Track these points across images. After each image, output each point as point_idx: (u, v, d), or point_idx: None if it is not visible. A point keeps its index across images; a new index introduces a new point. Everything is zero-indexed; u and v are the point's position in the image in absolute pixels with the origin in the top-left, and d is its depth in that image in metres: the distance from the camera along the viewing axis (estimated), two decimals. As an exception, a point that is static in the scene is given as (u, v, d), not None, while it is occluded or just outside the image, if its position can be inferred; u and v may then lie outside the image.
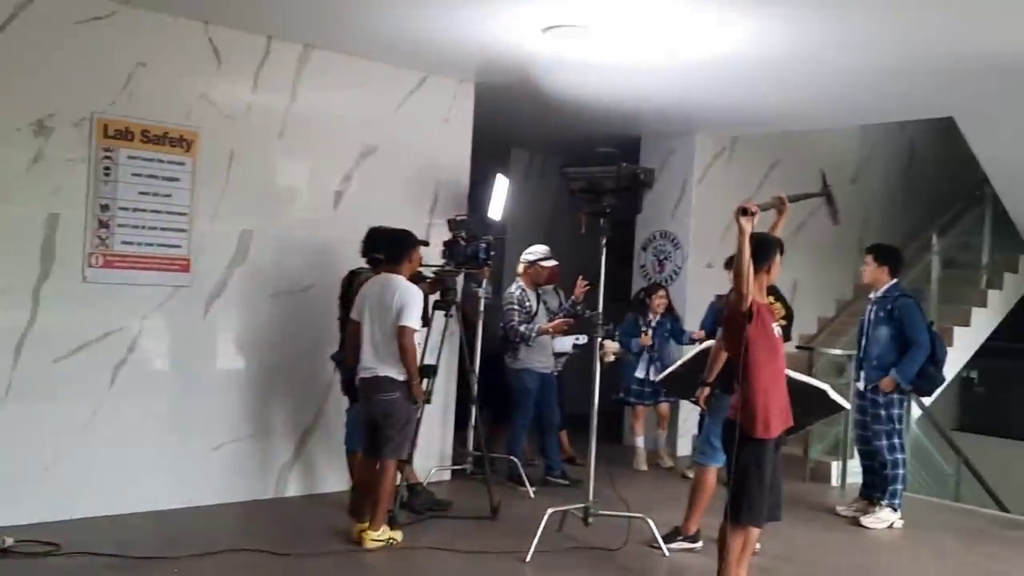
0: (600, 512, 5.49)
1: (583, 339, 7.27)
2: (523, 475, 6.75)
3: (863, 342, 6.56)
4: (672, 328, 8.07)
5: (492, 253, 6.13)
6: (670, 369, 6.40)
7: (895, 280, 6.54)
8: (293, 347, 6.34)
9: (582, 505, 5.48)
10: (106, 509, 5.55)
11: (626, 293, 9.37)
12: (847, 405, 5.95)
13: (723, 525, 4.55)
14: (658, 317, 7.92)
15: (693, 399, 5.57)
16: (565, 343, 7.25)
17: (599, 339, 5.47)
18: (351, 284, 5.84)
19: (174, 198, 5.82)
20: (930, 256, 9.19)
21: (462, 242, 6.00)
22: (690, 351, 6.09)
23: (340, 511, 5.88)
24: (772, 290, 5.62)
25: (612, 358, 5.48)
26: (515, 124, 8.91)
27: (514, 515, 6.08)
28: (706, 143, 8.78)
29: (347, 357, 5.55)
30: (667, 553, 5.43)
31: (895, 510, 6.41)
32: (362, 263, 5.86)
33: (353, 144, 6.58)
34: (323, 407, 6.46)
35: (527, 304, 6.86)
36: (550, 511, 5.39)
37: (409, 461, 5.80)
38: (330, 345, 6.22)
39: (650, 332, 7.87)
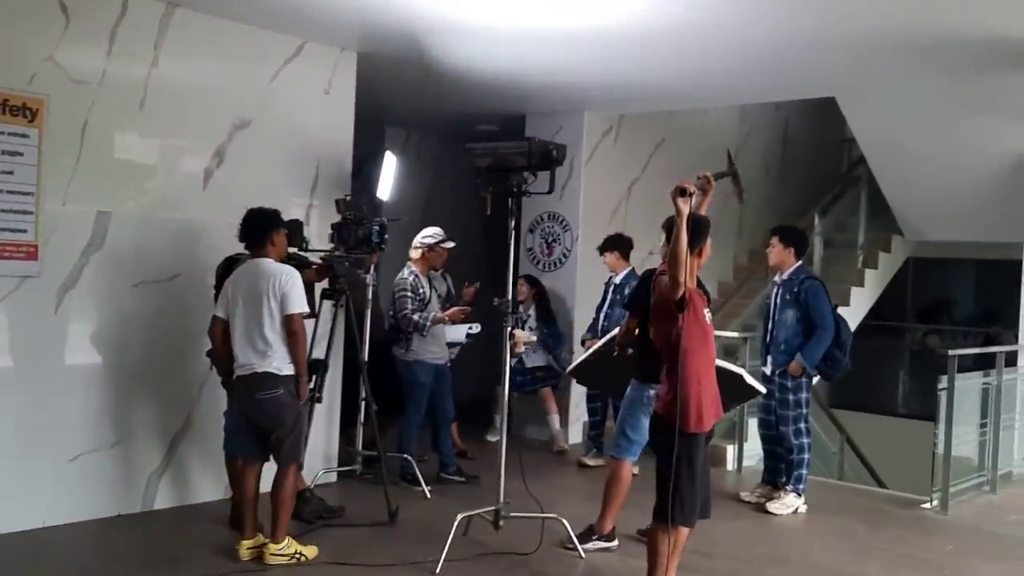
0: (512, 514, 5.10)
1: (476, 328, 6.89)
2: (418, 474, 6.29)
3: (769, 326, 6.40)
4: (550, 333, 7.92)
5: (386, 236, 5.63)
6: (581, 358, 6.09)
7: (800, 262, 6.41)
8: (160, 343, 5.67)
9: (492, 508, 5.07)
10: (-58, 536, 4.80)
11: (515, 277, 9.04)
12: (763, 389, 5.81)
13: (653, 526, 4.26)
14: (530, 309, 7.82)
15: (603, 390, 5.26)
16: (458, 332, 6.85)
17: (508, 328, 5.06)
18: (228, 272, 5.24)
19: (17, 175, 5.05)
20: (813, 236, 9.21)
21: (353, 224, 5.46)
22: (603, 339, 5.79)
23: (219, 524, 5.34)
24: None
25: (523, 349, 5.10)
26: (394, 100, 8.37)
27: (413, 519, 5.64)
28: (594, 121, 8.49)
29: (216, 358, 4.96)
30: (584, 555, 5.10)
31: (800, 495, 6.30)
32: (240, 248, 5.27)
33: (224, 117, 5.92)
34: (195, 408, 5.81)
35: (420, 291, 6.39)
36: (460, 516, 4.96)
37: (298, 467, 5.25)
38: (202, 339, 5.59)
39: (531, 330, 7.74)
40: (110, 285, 5.44)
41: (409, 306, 6.27)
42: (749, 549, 5.48)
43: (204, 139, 5.85)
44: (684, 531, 4.30)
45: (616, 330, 5.64)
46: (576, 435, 8.48)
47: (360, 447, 6.38)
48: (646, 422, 5.15)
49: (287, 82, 6.21)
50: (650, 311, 4.32)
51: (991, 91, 7.57)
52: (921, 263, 12.00)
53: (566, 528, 5.15)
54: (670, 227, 5.33)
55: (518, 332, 5.13)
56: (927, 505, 6.58)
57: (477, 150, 5.08)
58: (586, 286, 8.27)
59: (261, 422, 4.78)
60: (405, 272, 6.42)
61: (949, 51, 6.03)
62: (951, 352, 6.52)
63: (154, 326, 5.64)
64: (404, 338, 6.38)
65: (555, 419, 8.08)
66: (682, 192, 3.87)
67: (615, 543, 5.26)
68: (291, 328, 4.69)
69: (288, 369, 4.73)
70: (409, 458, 6.37)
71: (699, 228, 4.22)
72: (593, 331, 7.32)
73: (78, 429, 5.34)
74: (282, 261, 4.93)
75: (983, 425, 7.13)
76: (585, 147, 8.45)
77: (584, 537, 5.20)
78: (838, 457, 8.78)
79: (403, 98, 8.38)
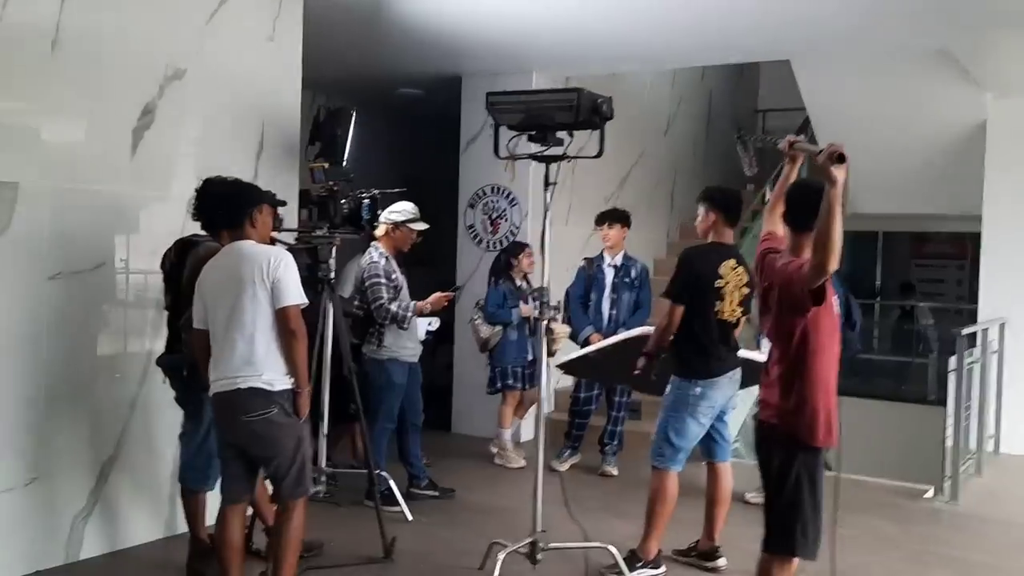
0: (552, 545, 4.25)
1: (436, 323, 5.95)
2: (396, 492, 5.34)
3: (768, 308, 5.79)
4: None
5: (379, 212, 4.62)
6: (579, 353, 5.28)
7: None
8: (83, 349, 4.49)
9: (528, 540, 4.20)
10: None
11: (439, 256, 8.14)
12: None
13: (767, 560, 3.53)
14: (525, 282, 6.73)
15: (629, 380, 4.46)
16: (418, 330, 5.87)
17: (545, 321, 4.19)
18: (182, 259, 4.16)
19: None
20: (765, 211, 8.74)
21: (341, 198, 4.43)
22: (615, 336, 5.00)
23: (166, 571, 4.24)
24: (737, 255, 4.67)
25: (560, 346, 4.25)
26: (307, 54, 7.25)
27: (407, 550, 4.71)
28: (543, 83, 7.63)
29: (199, 370, 3.87)
30: (634, 587, 4.33)
31: (814, 493, 5.74)
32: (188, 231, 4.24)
33: (155, 65, 4.74)
34: (127, 430, 4.66)
35: (394, 276, 5.39)
36: (503, 555, 4.08)
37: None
38: (134, 342, 4.55)
39: (531, 301, 6.49)
40: (17, 278, 4.21)
41: (385, 295, 5.27)
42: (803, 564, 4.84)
43: (131, 92, 4.65)
44: (795, 563, 3.60)
45: (642, 329, 4.90)
46: (527, 432, 7.69)
47: (323, 464, 5.34)
48: (693, 425, 4.46)
49: (225, 24, 5.06)
50: (766, 300, 3.55)
51: (948, 55, 7.29)
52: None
53: (613, 556, 4.35)
54: (716, 199, 4.68)
55: (556, 325, 4.26)
56: (929, 495, 6.21)
57: (504, 104, 4.17)
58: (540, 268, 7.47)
59: (252, 451, 3.74)
60: (374, 254, 5.39)
61: (907, 9, 5.66)
62: (963, 331, 6.12)
63: (75, 328, 4.45)
64: (377, 333, 5.38)
65: (518, 424, 7.18)
66: (841, 158, 3.10)
67: (662, 569, 4.53)
68: (289, 325, 3.66)
69: (283, 382, 3.70)
70: (383, 474, 5.40)
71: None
72: (595, 322, 6.44)
73: (-18, 465, 4.13)
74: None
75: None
76: (534, 112, 7.59)
77: (628, 565, 4.43)
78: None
79: (319, 53, 7.26)
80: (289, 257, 3.74)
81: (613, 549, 4.35)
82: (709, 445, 4.66)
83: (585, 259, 6.66)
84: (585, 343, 6.42)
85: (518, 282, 6.63)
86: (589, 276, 6.52)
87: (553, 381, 7.90)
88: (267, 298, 3.64)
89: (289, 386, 3.71)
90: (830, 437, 3.43)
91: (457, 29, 6.44)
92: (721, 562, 4.62)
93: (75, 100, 4.43)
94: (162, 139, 4.75)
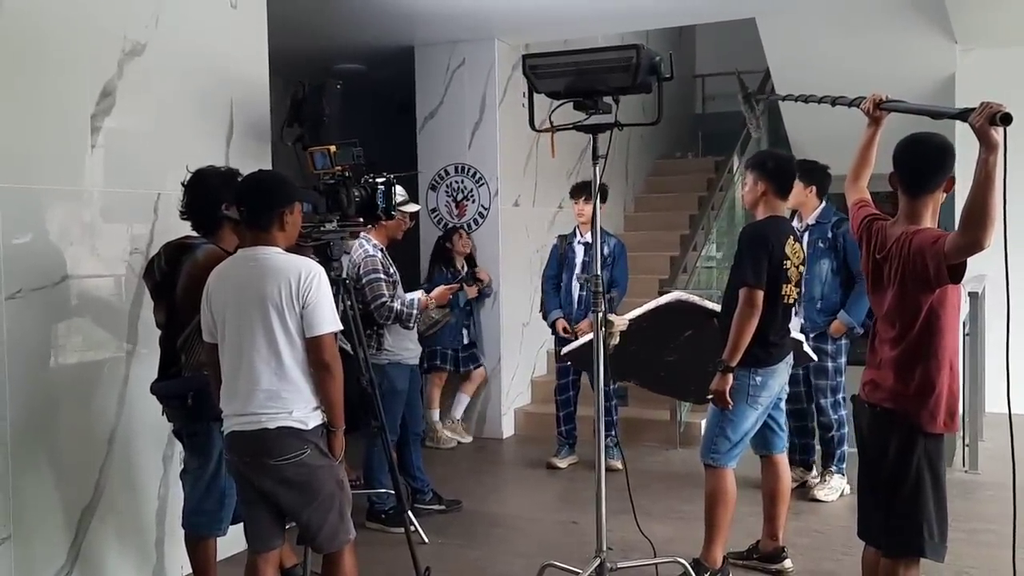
0: (620, 565, 3.78)
1: None
2: (410, 513, 4.77)
3: (798, 281, 5.44)
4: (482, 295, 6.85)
5: (395, 201, 4.03)
6: (584, 340, 4.73)
7: (825, 203, 5.44)
8: (52, 379, 3.78)
9: (596, 561, 3.72)
10: None
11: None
12: (815, 357, 4.90)
13: (891, 563, 3.14)
14: (463, 265, 6.74)
15: (706, 395, 3.99)
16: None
17: (600, 313, 3.69)
18: (175, 266, 3.52)
19: None
20: (735, 177, 8.47)
21: (355, 184, 3.82)
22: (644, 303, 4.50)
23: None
24: (793, 230, 4.25)
25: (617, 340, 3.75)
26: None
27: (441, 582, 4.19)
28: (505, 52, 7.09)
29: (209, 395, 3.26)
30: (709, 602, 3.92)
31: (844, 475, 5.45)
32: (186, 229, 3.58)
33: (111, 38, 4.02)
34: (106, 470, 3.97)
35: (391, 271, 4.82)
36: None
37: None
38: (112, 367, 3.93)
39: (474, 285, 6.55)
40: (-30, 299, 3.50)
41: (386, 291, 4.68)
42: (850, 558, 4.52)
43: (86, 72, 3.92)
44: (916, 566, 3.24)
45: (675, 295, 4.47)
46: (508, 426, 7.23)
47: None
48: (752, 416, 4.06)
49: (183, -9, 4.38)
50: (879, 273, 3.15)
51: (919, 4, 7.12)
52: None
53: (682, 568, 3.92)
54: (767, 167, 4.21)
55: (613, 318, 3.76)
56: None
57: (546, 67, 3.64)
58: (511, 252, 7.02)
59: (283, 499, 3.14)
60: (368, 247, 4.77)
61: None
62: (970, 290, 5.89)
63: (41, 355, 3.74)
64: (375, 335, 4.79)
65: (464, 400, 6.98)
66: (1005, 119, 2.67)
67: (731, 577, 4.14)
68: (322, 357, 3.08)
69: (315, 419, 3.12)
70: (391, 492, 4.83)
71: (951, 156, 3.17)
72: (565, 305, 6.06)
73: (-58, 529, 3.41)
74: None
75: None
76: (498, 83, 7.05)
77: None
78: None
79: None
80: (323, 273, 3.14)
81: (685, 562, 3.91)
82: (765, 436, 4.26)
83: (559, 236, 6.24)
84: (552, 328, 6.11)
85: (459, 264, 6.71)
86: (561, 255, 6.09)
87: (530, 372, 7.51)
88: (296, 323, 3.06)
89: (321, 421, 3.15)
90: (953, 422, 3.09)
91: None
92: (788, 564, 4.26)
93: (22, 81, 3.68)
94: (125, 126, 4.05)
